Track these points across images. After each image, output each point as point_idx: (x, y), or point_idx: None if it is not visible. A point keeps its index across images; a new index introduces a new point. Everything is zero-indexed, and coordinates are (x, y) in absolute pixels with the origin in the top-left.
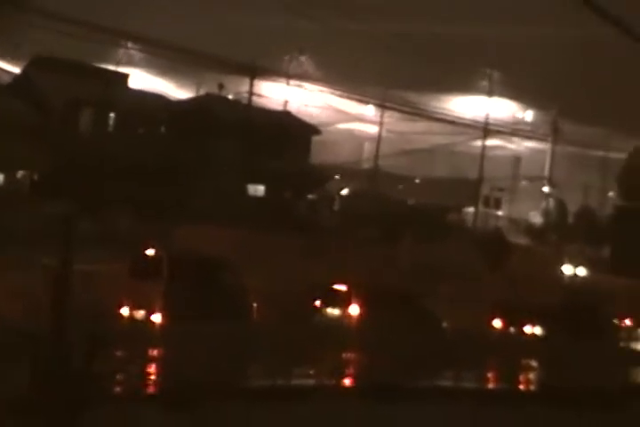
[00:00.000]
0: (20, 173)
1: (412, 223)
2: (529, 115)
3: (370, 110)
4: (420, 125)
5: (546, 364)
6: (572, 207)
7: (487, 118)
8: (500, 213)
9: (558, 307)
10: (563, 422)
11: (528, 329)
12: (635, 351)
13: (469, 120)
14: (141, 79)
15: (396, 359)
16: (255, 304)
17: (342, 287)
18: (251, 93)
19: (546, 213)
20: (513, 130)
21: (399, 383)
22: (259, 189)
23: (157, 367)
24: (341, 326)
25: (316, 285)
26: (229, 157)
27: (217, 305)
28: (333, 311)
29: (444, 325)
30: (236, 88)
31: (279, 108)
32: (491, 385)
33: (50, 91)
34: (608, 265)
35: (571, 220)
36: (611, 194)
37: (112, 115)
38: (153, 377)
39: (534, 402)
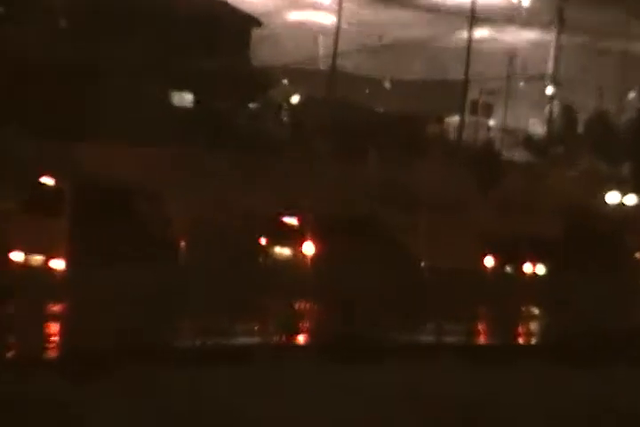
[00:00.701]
0: None
1: (381, 136)
2: None
3: None
4: (390, 14)
5: (550, 311)
6: (583, 113)
7: (474, 4)
8: (491, 122)
9: (565, 239)
10: (572, 381)
11: (528, 268)
12: None
13: (452, 6)
14: None
15: (362, 309)
16: (183, 242)
17: (293, 220)
18: None
19: (549, 121)
20: (507, 17)
21: (365, 339)
22: (186, 98)
23: (60, 326)
24: (293, 268)
25: (261, 217)
26: (147, 56)
27: (134, 244)
28: (282, 251)
29: (422, 264)
30: None
31: None
32: (481, 340)
33: None
34: (628, 185)
35: (581, 129)
36: (631, 95)
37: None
38: (54, 338)
39: (535, 359)
